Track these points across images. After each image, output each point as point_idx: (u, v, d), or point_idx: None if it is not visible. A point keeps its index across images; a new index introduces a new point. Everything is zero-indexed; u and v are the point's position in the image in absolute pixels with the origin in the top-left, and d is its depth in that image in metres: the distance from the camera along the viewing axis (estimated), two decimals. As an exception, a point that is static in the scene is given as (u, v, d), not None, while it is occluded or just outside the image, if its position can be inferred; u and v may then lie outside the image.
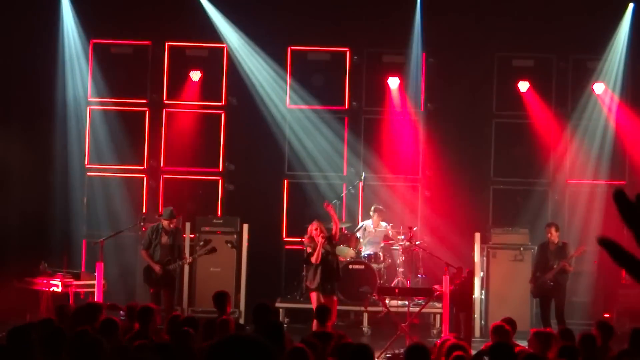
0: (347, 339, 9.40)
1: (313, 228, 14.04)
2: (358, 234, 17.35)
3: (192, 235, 16.98)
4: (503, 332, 9.49)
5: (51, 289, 14.97)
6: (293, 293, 17.17)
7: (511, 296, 16.65)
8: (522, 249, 16.98)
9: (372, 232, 17.36)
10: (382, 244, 17.30)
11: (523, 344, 10.11)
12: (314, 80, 18.45)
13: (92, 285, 14.75)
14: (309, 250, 14.07)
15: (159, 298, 14.68)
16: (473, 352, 9.57)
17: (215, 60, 18.49)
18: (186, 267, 16.60)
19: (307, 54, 18.54)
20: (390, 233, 17.29)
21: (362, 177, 16.98)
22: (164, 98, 18.53)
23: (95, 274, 14.64)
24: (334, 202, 17.07)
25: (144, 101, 18.54)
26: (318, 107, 18.43)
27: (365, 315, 16.57)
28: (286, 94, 18.50)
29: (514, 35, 17.90)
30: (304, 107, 18.50)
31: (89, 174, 18.30)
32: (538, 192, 18.28)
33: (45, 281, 15.06)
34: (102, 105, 18.34)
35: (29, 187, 17.43)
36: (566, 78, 18.33)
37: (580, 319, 16.31)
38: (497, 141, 18.50)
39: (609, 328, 9.95)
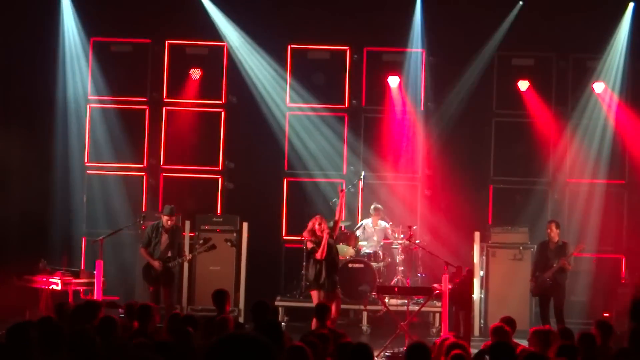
0: (346, 338, 9.39)
1: (316, 223, 13.93)
2: (358, 233, 17.35)
3: (192, 234, 16.98)
4: (503, 332, 9.48)
5: (50, 287, 14.97)
6: (292, 291, 17.17)
7: (510, 295, 16.65)
8: (521, 248, 16.98)
9: (371, 231, 17.38)
10: (381, 243, 17.31)
11: (523, 343, 10.11)
12: (314, 79, 18.44)
13: (92, 284, 14.74)
14: (311, 245, 13.92)
15: (158, 296, 14.69)
16: (472, 350, 9.56)
17: (215, 59, 18.49)
18: (186, 266, 16.61)
19: (307, 52, 18.53)
20: (390, 231, 17.29)
21: (362, 176, 16.97)
22: (164, 96, 18.52)
23: (95, 272, 14.62)
24: (333, 200, 17.10)
25: (144, 99, 18.53)
26: (318, 106, 18.43)
27: (365, 314, 16.58)
28: (286, 92, 18.50)
29: (514, 34, 17.89)
30: (303, 105, 18.50)
31: (88, 172, 18.30)
32: (538, 191, 18.28)
33: (44, 279, 15.05)
34: (102, 104, 18.33)
35: (29, 185, 17.43)
36: (566, 77, 18.33)
37: (580, 318, 16.32)
38: (497, 140, 18.50)
39: (608, 327, 9.94)
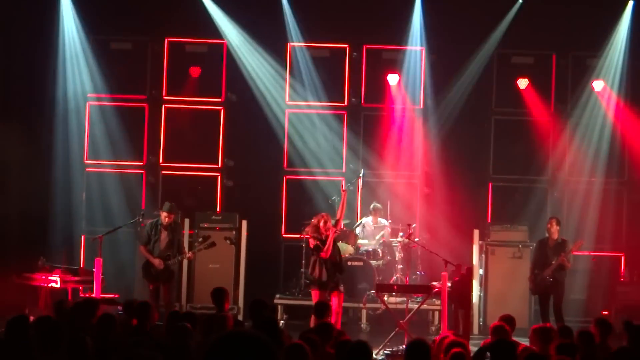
0: (345, 336, 9.39)
1: (321, 221, 13.85)
2: (357, 231, 17.36)
3: (191, 232, 16.98)
4: (503, 331, 9.48)
5: (50, 285, 14.97)
6: (292, 289, 17.16)
7: (510, 293, 16.66)
8: (520, 246, 16.98)
9: (371, 229, 17.39)
10: (380, 241, 17.31)
11: (522, 341, 10.11)
12: (313, 77, 18.43)
13: (91, 281, 14.73)
14: (314, 242, 13.82)
15: (158, 294, 14.68)
16: (471, 349, 9.56)
17: (215, 57, 18.47)
18: (185, 263, 16.62)
19: (307, 50, 18.51)
20: (389, 229, 17.30)
21: (361, 174, 16.97)
22: (163, 94, 18.51)
23: (94, 269, 14.62)
24: (333, 198, 17.11)
25: (144, 97, 18.52)
26: (317, 104, 18.42)
27: (364, 312, 16.58)
28: (285, 90, 18.50)
29: (513, 32, 17.89)
30: (303, 103, 18.49)
31: (88, 169, 18.29)
32: (537, 189, 18.27)
33: (44, 277, 15.06)
34: (101, 101, 18.31)
35: (28, 183, 17.41)
36: (565, 75, 18.34)
37: (579, 316, 16.32)
38: (496, 138, 18.50)
39: (607, 325, 9.94)
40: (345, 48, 18.56)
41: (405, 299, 15.38)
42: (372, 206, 17.42)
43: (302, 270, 16.92)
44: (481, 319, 16.85)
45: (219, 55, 18.46)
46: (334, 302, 13.49)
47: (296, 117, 18.59)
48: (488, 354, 8.13)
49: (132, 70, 18.31)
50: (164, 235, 14.86)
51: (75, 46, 18.16)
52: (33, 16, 17.64)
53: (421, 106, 18.52)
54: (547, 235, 15.44)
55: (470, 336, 14.12)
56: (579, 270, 17.02)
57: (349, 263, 16.35)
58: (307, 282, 16.40)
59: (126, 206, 17.86)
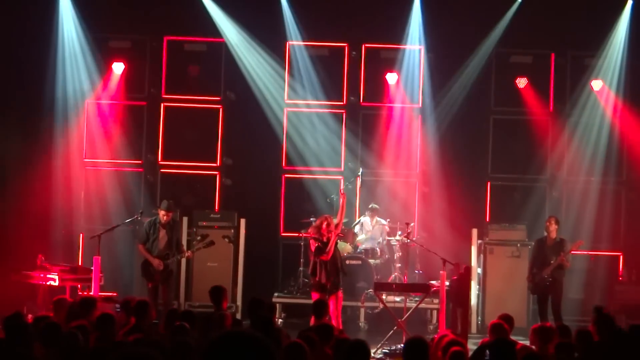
0: (343, 335, 9.40)
1: (324, 223, 13.82)
2: (355, 229, 17.36)
3: (189, 230, 17.00)
4: (501, 330, 9.48)
5: (48, 283, 14.95)
6: (290, 288, 17.16)
7: (508, 292, 16.66)
8: (519, 245, 16.99)
9: (369, 228, 17.40)
10: (379, 240, 17.32)
11: (520, 340, 10.11)
12: (312, 76, 18.42)
13: (89, 279, 14.72)
14: (316, 244, 13.80)
15: (157, 292, 14.67)
16: (470, 347, 9.57)
17: (214, 55, 18.47)
18: (183, 262, 16.62)
19: (306, 49, 18.50)
20: (387, 228, 17.30)
21: (360, 173, 16.96)
22: (162, 92, 18.50)
23: (93, 267, 14.61)
24: (332, 196, 17.12)
25: (142, 95, 18.52)
26: (316, 102, 18.42)
27: (362, 310, 16.58)
28: (284, 89, 18.50)
29: (512, 31, 17.89)
30: (302, 102, 18.49)
31: (86, 168, 18.28)
32: (536, 189, 18.28)
33: (42, 275, 15.04)
34: (100, 100, 18.29)
35: (27, 181, 17.39)
36: (564, 75, 18.34)
37: (577, 315, 16.31)
38: (495, 137, 18.51)
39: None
40: (344, 47, 18.56)
41: (403, 297, 15.39)
42: (370, 207, 17.44)
43: (301, 269, 16.92)
44: (479, 318, 16.86)
45: (218, 54, 18.45)
46: (332, 304, 13.46)
47: (295, 116, 18.59)
48: (487, 352, 8.14)
49: (131, 69, 18.29)
50: (162, 234, 14.84)
51: (74, 45, 18.14)
52: (32, 14, 17.62)
53: (420, 105, 18.53)
54: (545, 234, 15.44)
55: (469, 335, 14.13)
56: (577, 270, 17.01)
57: (347, 262, 16.34)
58: (305, 280, 16.45)
59: (125, 204, 17.85)
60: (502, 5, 17.97)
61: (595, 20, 17.62)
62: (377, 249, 17.16)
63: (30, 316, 12.25)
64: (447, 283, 14.27)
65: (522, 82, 18.14)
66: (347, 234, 16.94)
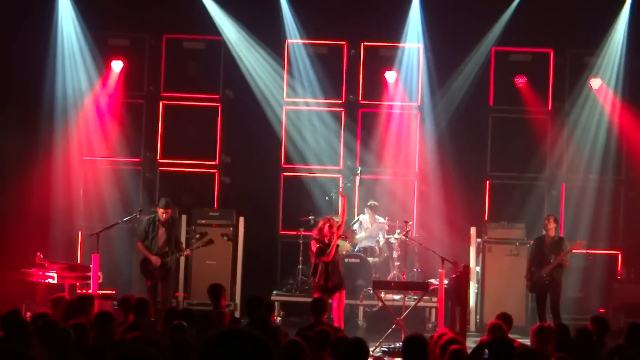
0: (342, 333, 9.40)
1: (327, 225, 13.77)
2: (354, 227, 17.36)
3: (188, 228, 17.00)
4: (500, 331, 9.47)
5: (47, 281, 14.95)
6: (289, 286, 17.15)
7: (507, 291, 16.66)
8: (517, 243, 17.00)
9: (367, 226, 17.40)
10: (377, 238, 17.32)
11: (518, 339, 10.11)
12: (311, 74, 18.41)
13: (88, 277, 14.72)
14: (316, 245, 13.77)
15: (156, 290, 14.67)
16: (468, 346, 9.56)
17: (212, 53, 18.45)
18: (182, 260, 16.61)
19: (304, 47, 18.49)
20: (386, 227, 17.30)
21: (359, 171, 16.95)
22: (161, 90, 18.49)
23: (91, 265, 14.61)
24: (332, 194, 17.11)
25: (141, 93, 18.50)
26: (315, 100, 18.42)
27: (361, 308, 16.58)
28: (283, 87, 18.49)
29: (511, 29, 17.88)
30: (300, 100, 18.49)
31: (85, 166, 18.25)
32: (534, 187, 18.28)
33: (41, 273, 15.04)
34: (99, 98, 18.27)
35: (26, 179, 17.38)
36: (563, 73, 18.33)
37: (575, 314, 16.32)
38: (494, 135, 18.50)
39: (604, 323, 9.95)
40: (343, 45, 18.55)
41: (402, 296, 15.39)
42: (369, 204, 17.43)
43: (299, 267, 16.93)
44: (478, 317, 16.87)
45: (217, 52, 18.44)
46: (335, 304, 13.46)
47: (294, 114, 18.58)
48: (486, 351, 8.14)
49: (129, 67, 18.27)
50: (161, 232, 14.85)
51: (73, 43, 18.12)
52: (31, 12, 17.61)
53: (418, 103, 18.52)
54: (544, 233, 15.43)
55: (467, 334, 14.13)
56: (576, 268, 17.00)
57: (346, 260, 16.35)
58: (304, 278, 16.45)
59: (124, 202, 17.83)
60: (501, 3, 17.97)
61: (594, 19, 17.62)
62: (376, 247, 17.16)
63: (28, 314, 12.26)
64: (445, 281, 14.27)
65: (521, 81, 18.13)
66: (346, 232, 16.93)
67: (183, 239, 16.06)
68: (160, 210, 14.85)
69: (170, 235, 14.89)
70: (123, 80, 18.26)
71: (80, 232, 17.81)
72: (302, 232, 16.90)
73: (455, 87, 18.14)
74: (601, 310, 16.47)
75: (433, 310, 16.23)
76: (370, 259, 16.84)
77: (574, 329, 9.66)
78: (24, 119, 17.72)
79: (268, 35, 18.17)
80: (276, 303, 16.45)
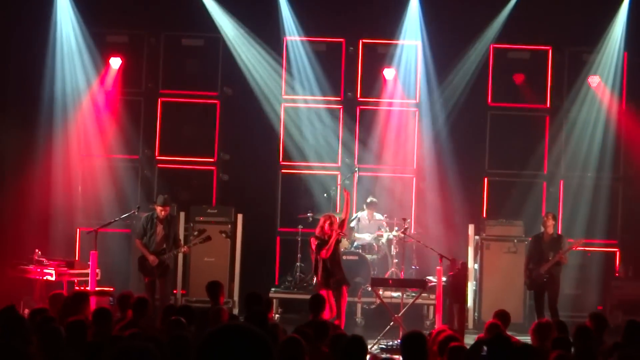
0: (340, 330, 9.40)
1: (328, 222, 13.73)
2: (352, 224, 17.35)
3: (186, 225, 16.99)
4: (498, 330, 9.47)
5: (45, 278, 14.95)
6: (287, 283, 17.16)
7: (505, 288, 16.66)
8: (516, 241, 17.00)
9: (366, 223, 17.40)
10: (376, 235, 17.32)
11: (518, 336, 10.12)
12: (309, 71, 18.41)
13: (86, 274, 14.73)
14: (316, 242, 13.75)
15: (154, 287, 14.67)
16: (466, 343, 9.56)
17: (211, 50, 18.44)
18: (180, 257, 16.61)
19: (303, 44, 18.48)
20: (384, 224, 17.30)
21: (356, 168, 16.94)
22: (159, 87, 18.48)
23: (89, 262, 14.61)
24: (331, 190, 17.12)
25: (139, 90, 18.49)
26: (313, 98, 18.41)
27: (359, 306, 16.58)
28: (281, 84, 18.48)
29: (510, 27, 17.88)
30: (299, 97, 18.48)
31: (84, 163, 18.24)
32: (533, 185, 18.28)
33: (39, 270, 15.04)
34: (98, 95, 18.25)
35: (25, 177, 17.37)
36: (562, 70, 18.33)
37: (573, 311, 16.32)
38: (492, 133, 18.49)
39: (602, 320, 9.95)
40: (341, 42, 18.53)
41: (400, 293, 15.39)
42: (368, 200, 17.43)
43: (298, 264, 16.93)
44: (476, 314, 16.87)
45: (215, 49, 18.43)
46: (334, 300, 13.44)
47: (292, 111, 18.57)
48: (484, 348, 8.13)
49: (128, 64, 18.26)
50: (159, 229, 14.85)
51: (72, 39, 18.11)
52: (29, 9, 17.59)
53: (417, 101, 18.52)
54: (542, 230, 15.43)
55: (465, 331, 14.14)
56: (574, 266, 17.01)
57: (344, 257, 16.32)
58: (301, 275, 16.45)
59: (122, 200, 17.83)
60: (500, 0, 17.95)
61: (593, 16, 17.62)
62: (374, 244, 17.16)
63: (27, 311, 12.25)
64: (443, 279, 14.27)
65: (519, 78, 18.15)
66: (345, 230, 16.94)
67: (181, 236, 16.07)
68: (159, 208, 14.85)
69: (169, 232, 14.90)
70: (121, 77, 18.25)
71: (78, 229, 17.80)
72: (300, 230, 16.90)
73: (454, 84, 18.13)
74: (599, 308, 16.48)
75: (431, 308, 16.25)
76: (368, 256, 16.84)
77: (572, 327, 9.67)
78: (23, 116, 17.70)
79: (266, 33, 18.16)
80: (274, 300, 16.45)
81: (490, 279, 16.97)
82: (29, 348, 7.51)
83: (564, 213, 17.84)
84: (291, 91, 18.47)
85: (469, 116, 18.27)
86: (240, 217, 17.30)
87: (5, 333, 7.80)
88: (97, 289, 14.00)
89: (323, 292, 13.52)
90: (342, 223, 13.88)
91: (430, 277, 15.45)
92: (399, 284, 15.35)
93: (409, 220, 16.91)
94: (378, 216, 17.41)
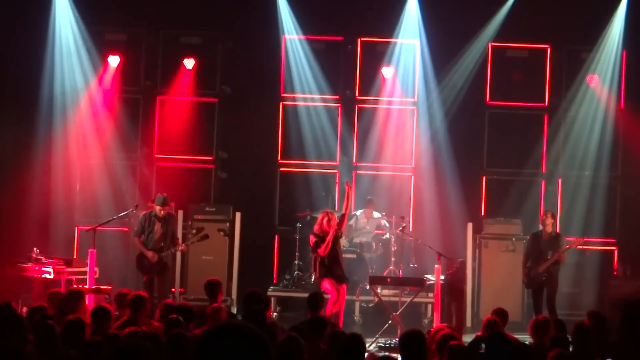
0: (338, 328, 9.40)
1: (325, 219, 13.72)
2: (350, 223, 17.35)
3: (184, 223, 16.99)
4: (495, 326, 9.48)
5: (43, 276, 14.95)
6: (285, 281, 17.16)
7: (503, 287, 16.66)
8: (514, 239, 17.00)
9: (364, 222, 17.40)
10: (374, 234, 17.32)
11: (516, 334, 10.12)
12: (308, 69, 18.40)
13: (84, 272, 14.73)
14: (314, 239, 13.74)
15: (152, 285, 14.68)
16: (464, 341, 9.56)
17: (210, 48, 18.43)
18: (178, 255, 16.60)
19: (302, 42, 18.47)
20: (382, 222, 17.30)
21: (355, 166, 16.94)
22: (158, 86, 18.46)
23: (88, 261, 14.61)
24: (340, 183, 17.12)
25: (138, 89, 18.47)
26: (312, 96, 18.40)
27: (357, 304, 16.58)
28: (280, 82, 18.47)
29: (508, 25, 17.87)
30: (297, 95, 18.47)
31: (82, 161, 18.22)
32: (531, 183, 18.28)
33: (37, 268, 15.04)
34: (96, 93, 18.24)
35: (23, 175, 17.36)
36: (560, 69, 18.32)
37: (571, 310, 16.32)
38: (491, 131, 18.49)
39: (601, 318, 9.95)
40: (339, 41, 18.53)
41: (398, 291, 15.40)
42: (367, 198, 17.43)
43: (296, 262, 16.93)
44: (474, 312, 16.86)
45: (214, 47, 18.41)
46: (333, 297, 13.42)
47: (290, 110, 18.57)
48: (482, 345, 8.14)
49: (126, 62, 18.24)
50: (157, 227, 14.86)
51: (70, 38, 18.09)
52: (28, 6, 17.57)
53: (415, 99, 18.52)
54: (541, 228, 15.44)
55: (463, 329, 14.14)
56: (572, 264, 17.02)
57: (342, 255, 16.32)
58: (299, 273, 16.44)
59: (120, 198, 17.81)
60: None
61: (591, 14, 17.62)
62: (372, 242, 17.15)
63: (25, 309, 12.25)
64: (442, 277, 14.28)
65: (515, 76, 18.16)
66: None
67: (179, 234, 16.07)
68: (158, 208, 14.87)
69: (167, 230, 14.91)
70: (120, 75, 18.24)
71: (76, 228, 17.79)
72: (298, 227, 16.91)
73: (452, 82, 18.13)
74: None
75: (429, 306, 16.24)
76: (366, 255, 16.84)
77: (570, 325, 9.67)
78: (21, 115, 17.68)
79: (265, 31, 18.15)
80: (272, 298, 16.45)
81: (489, 278, 16.97)
82: (26, 346, 7.51)
83: (562, 211, 17.84)
84: (290, 89, 18.45)
85: (467, 115, 18.26)
86: (238, 215, 17.30)
87: (2, 331, 7.79)
88: (93, 287, 14.00)
89: (326, 281, 13.48)
90: (342, 218, 13.87)
91: (428, 276, 15.45)
92: (397, 282, 15.35)
93: (407, 218, 16.91)
94: (376, 214, 17.41)
